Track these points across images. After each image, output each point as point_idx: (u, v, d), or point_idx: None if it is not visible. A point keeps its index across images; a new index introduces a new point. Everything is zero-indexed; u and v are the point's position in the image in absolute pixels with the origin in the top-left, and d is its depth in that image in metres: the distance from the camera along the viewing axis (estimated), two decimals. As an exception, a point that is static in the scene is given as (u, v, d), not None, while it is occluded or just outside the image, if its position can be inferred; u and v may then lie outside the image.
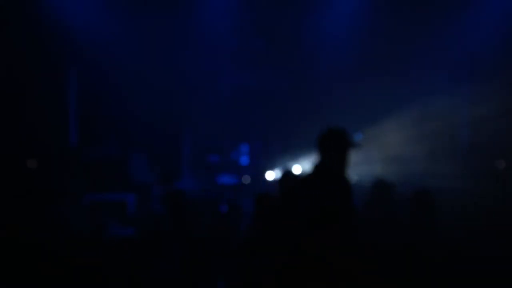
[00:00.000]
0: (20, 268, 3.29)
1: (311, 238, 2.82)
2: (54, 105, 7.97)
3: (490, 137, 7.69)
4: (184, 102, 8.52)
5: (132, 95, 8.16)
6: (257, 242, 3.58)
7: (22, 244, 3.41)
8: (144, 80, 8.18)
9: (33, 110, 7.59)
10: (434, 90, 8.07)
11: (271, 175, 8.78)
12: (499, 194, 5.60)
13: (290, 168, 8.21)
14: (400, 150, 8.23)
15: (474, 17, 8.00)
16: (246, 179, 8.72)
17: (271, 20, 8.54)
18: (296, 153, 8.75)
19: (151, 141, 8.27)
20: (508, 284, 3.22)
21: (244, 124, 9.14)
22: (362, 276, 2.81)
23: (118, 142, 8.05)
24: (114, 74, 7.92)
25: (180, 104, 8.49)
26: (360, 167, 8.38)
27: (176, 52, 8.44)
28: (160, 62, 8.27)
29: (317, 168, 3.04)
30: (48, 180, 6.39)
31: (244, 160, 9.00)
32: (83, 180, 6.71)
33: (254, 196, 4.02)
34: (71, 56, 8.07)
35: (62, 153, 7.59)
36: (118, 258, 3.77)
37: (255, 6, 8.48)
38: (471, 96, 8.45)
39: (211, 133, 8.71)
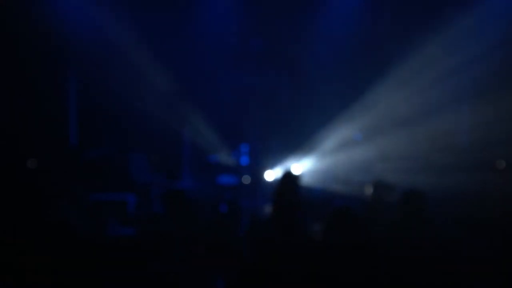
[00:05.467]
0: (20, 269, 3.29)
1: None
2: (54, 105, 7.97)
3: (490, 136, 7.70)
4: (184, 102, 8.52)
5: (132, 95, 8.16)
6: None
7: (21, 245, 3.41)
8: (144, 80, 8.18)
9: (33, 110, 7.60)
10: (434, 89, 8.09)
11: (271, 175, 8.78)
12: (498, 193, 5.61)
13: (291, 168, 8.22)
14: (399, 148, 8.24)
15: (475, 17, 7.99)
16: (246, 179, 8.72)
17: (271, 20, 8.54)
18: (296, 153, 8.75)
19: (151, 141, 8.27)
20: (504, 284, 3.22)
21: (244, 124, 9.14)
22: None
23: (118, 142, 8.06)
24: (114, 74, 7.92)
25: (180, 104, 8.49)
26: (360, 167, 8.41)
27: (176, 52, 8.44)
28: (160, 62, 8.27)
29: None
30: (48, 180, 6.39)
31: (244, 160, 9.00)
32: (83, 180, 6.71)
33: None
34: (71, 56, 8.07)
35: (62, 153, 7.59)
36: (118, 258, 3.77)
37: (255, 6, 8.48)
38: (471, 94, 8.46)
39: (211, 133, 8.72)
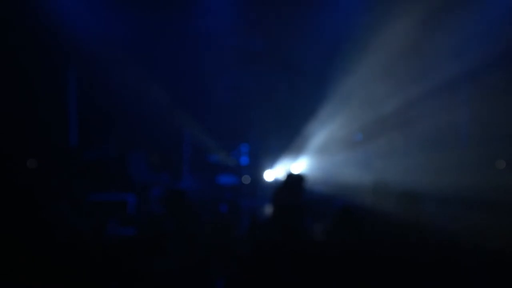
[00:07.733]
0: (20, 269, 3.29)
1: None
2: (54, 105, 7.97)
3: (489, 133, 7.71)
4: (184, 102, 8.53)
5: (132, 95, 8.16)
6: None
7: (21, 245, 3.41)
8: (143, 80, 8.19)
9: (33, 110, 7.60)
10: (434, 87, 8.11)
11: (271, 175, 8.78)
12: (498, 192, 5.61)
13: (292, 170, 8.23)
14: (399, 147, 8.25)
15: (475, 12, 7.99)
16: (246, 179, 8.72)
17: (270, 20, 8.54)
18: (295, 153, 8.76)
19: (151, 141, 8.27)
20: (503, 285, 3.22)
21: (244, 124, 9.14)
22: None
23: (118, 142, 8.06)
24: (114, 74, 7.92)
25: (180, 104, 8.49)
26: (359, 166, 8.41)
27: (175, 52, 8.45)
28: (160, 62, 8.27)
29: None
30: (48, 180, 6.39)
31: (244, 160, 9.00)
32: (83, 180, 6.71)
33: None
34: (71, 55, 8.07)
35: (62, 153, 7.60)
36: (118, 258, 3.77)
37: (254, 6, 8.49)
38: (472, 92, 8.46)
39: (211, 133, 8.72)
